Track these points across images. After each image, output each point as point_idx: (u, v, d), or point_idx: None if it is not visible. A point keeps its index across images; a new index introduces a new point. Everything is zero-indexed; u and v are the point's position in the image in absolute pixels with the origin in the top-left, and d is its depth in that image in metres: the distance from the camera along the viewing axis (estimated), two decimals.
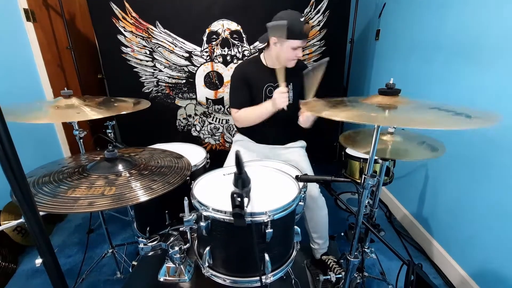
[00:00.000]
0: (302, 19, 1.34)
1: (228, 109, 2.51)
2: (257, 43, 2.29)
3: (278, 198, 0.92)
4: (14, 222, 0.71)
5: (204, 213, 0.87)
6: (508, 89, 1.24)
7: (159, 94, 2.44)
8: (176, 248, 1.05)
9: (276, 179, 1.08)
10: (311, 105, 0.95)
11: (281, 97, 1.35)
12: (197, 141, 2.62)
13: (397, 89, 0.88)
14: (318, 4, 2.23)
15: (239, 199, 0.74)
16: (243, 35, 2.27)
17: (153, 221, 1.24)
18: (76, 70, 2.41)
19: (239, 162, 0.71)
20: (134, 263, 1.43)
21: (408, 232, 2.04)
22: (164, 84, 2.41)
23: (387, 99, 0.88)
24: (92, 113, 1.14)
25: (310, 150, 1.75)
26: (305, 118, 1.43)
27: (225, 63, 2.36)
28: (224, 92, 2.45)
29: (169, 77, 2.39)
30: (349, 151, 1.63)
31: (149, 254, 1.02)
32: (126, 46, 2.26)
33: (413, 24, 1.93)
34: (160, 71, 2.36)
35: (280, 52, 1.42)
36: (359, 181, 0.96)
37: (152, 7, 2.15)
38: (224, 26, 2.24)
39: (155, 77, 2.38)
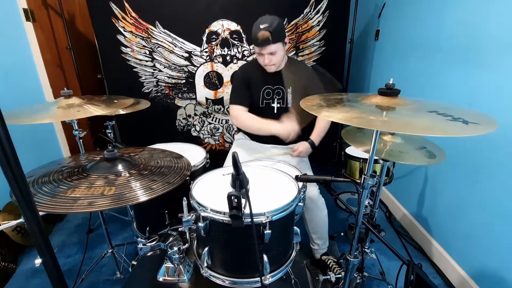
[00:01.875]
0: (262, 26, 1.34)
1: (228, 109, 2.51)
2: None
3: (277, 199, 0.92)
4: (13, 222, 0.71)
5: (203, 214, 0.87)
6: (507, 89, 1.24)
7: (158, 94, 2.44)
8: (175, 248, 1.05)
9: (276, 180, 1.08)
10: (310, 103, 0.94)
11: (288, 134, 1.38)
12: (197, 141, 2.62)
13: (396, 90, 0.88)
14: (317, 4, 2.23)
15: (236, 200, 0.73)
16: (243, 35, 2.27)
17: (153, 221, 1.24)
18: (75, 70, 2.41)
19: (236, 164, 0.71)
20: (134, 263, 1.43)
21: (408, 232, 2.04)
22: (163, 84, 2.41)
23: (386, 100, 0.87)
24: (93, 109, 1.15)
25: None
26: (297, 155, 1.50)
27: (225, 63, 2.36)
28: (224, 92, 2.45)
29: (168, 77, 2.39)
30: (349, 151, 1.63)
31: (149, 254, 1.01)
32: (126, 46, 2.26)
33: (413, 24, 1.93)
34: (160, 71, 2.36)
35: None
36: (359, 181, 0.96)
37: (152, 7, 2.16)
38: (223, 26, 2.24)
39: (155, 77, 2.38)
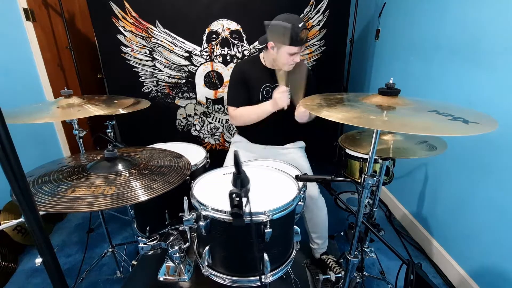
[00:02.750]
0: (300, 25, 1.31)
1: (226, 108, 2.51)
2: (257, 43, 2.29)
3: (277, 198, 0.92)
4: (14, 222, 0.72)
5: (203, 213, 0.87)
6: (507, 89, 1.24)
7: (159, 93, 2.44)
8: (176, 248, 1.05)
9: (276, 179, 1.08)
10: (310, 102, 0.94)
11: (281, 97, 1.35)
12: (197, 140, 2.62)
13: (396, 89, 0.88)
14: (318, 3, 2.23)
15: (237, 198, 0.73)
16: (243, 35, 2.27)
17: (153, 221, 1.24)
18: (75, 69, 2.41)
19: (237, 162, 0.71)
20: (134, 262, 1.44)
21: (408, 231, 2.04)
22: (164, 83, 2.41)
23: (386, 100, 0.88)
24: (93, 108, 1.15)
25: (310, 149, 1.75)
26: (301, 114, 1.42)
27: (225, 62, 2.36)
28: (224, 92, 2.45)
29: (169, 77, 2.38)
30: (349, 150, 1.63)
31: (149, 253, 1.02)
32: (126, 46, 2.26)
33: (413, 24, 1.93)
34: (160, 70, 2.36)
35: (277, 56, 1.42)
36: (359, 180, 0.96)
37: (152, 6, 2.15)
38: (224, 25, 2.24)
39: (155, 77, 2.38)
